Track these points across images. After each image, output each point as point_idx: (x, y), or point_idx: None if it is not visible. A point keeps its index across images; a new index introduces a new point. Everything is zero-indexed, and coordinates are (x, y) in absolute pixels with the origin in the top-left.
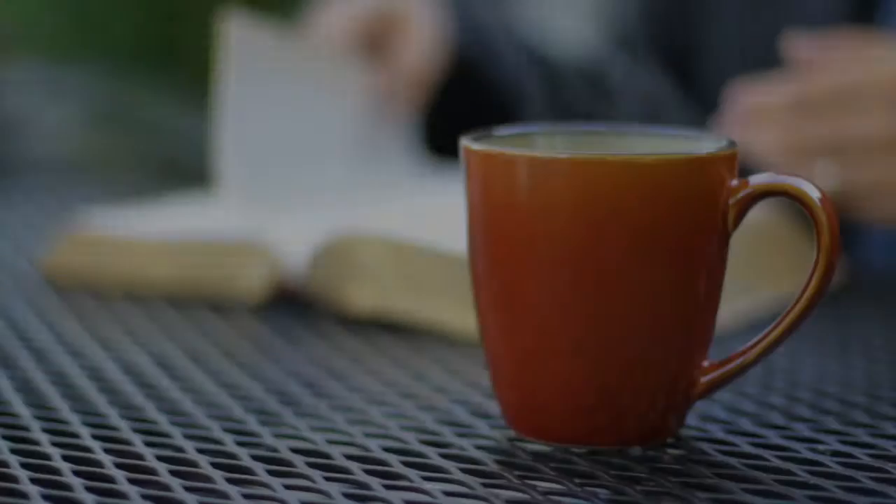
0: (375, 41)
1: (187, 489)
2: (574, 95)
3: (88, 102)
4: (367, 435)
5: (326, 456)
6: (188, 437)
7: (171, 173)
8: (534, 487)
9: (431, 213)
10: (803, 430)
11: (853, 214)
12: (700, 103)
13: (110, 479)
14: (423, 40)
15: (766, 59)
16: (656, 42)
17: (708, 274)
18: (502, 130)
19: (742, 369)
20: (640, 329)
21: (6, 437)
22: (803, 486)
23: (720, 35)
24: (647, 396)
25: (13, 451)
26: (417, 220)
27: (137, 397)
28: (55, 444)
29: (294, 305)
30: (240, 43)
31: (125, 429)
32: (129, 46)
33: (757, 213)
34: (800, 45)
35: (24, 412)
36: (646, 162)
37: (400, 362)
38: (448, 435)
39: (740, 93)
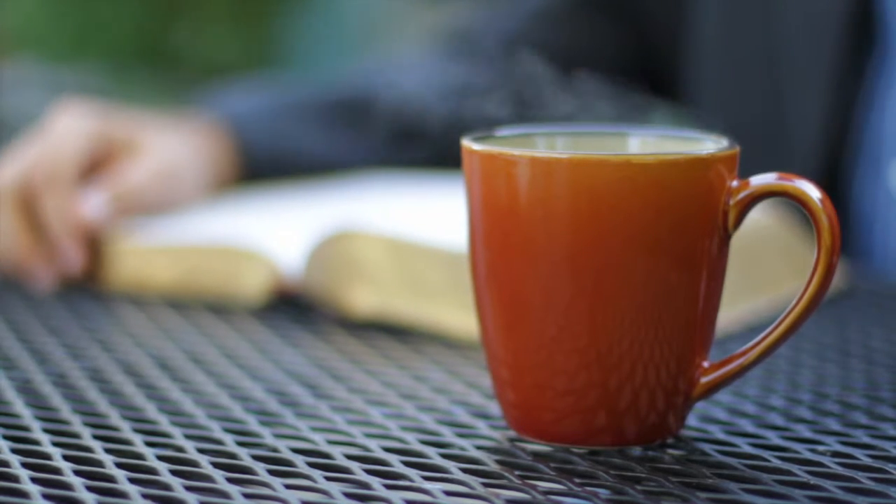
0: (99, 162)
1: (188, 489)
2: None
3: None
4: (368, 435)
5: (327, 456)
6: (189, 437)
7: None
8: (534, 487)
9: (431, 211)
10: (803, 431)
11: None
12: (687, 106)
13: (111, 479)
14: (151, 164)
15: (749, 60)
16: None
17: (708, 274)
18: (503, 131)
19: (742, 370)
20: (640, 329)
21: (7, 438)
22: (803, 486)
23: (703, 36)
24: (647, 397)
25: (14, 451)
26: (416, 217)
27: (138, 398)
28: (56, 444)
29: (294, 307)
30: None
31: (126, 429)
32: (129, 46)
33: (757, 214)
34: None
35: (24, 412)
36: (646, 162)
37: (400, 363)
38: (448, 435)
39: None
